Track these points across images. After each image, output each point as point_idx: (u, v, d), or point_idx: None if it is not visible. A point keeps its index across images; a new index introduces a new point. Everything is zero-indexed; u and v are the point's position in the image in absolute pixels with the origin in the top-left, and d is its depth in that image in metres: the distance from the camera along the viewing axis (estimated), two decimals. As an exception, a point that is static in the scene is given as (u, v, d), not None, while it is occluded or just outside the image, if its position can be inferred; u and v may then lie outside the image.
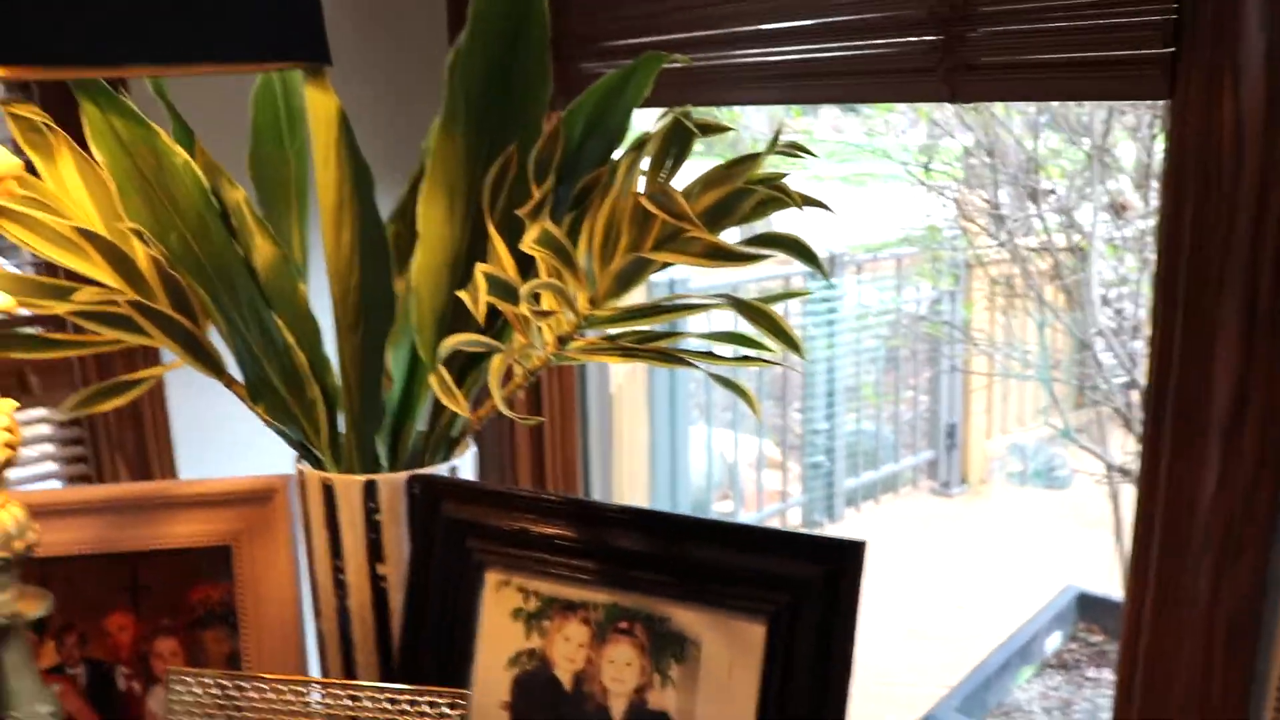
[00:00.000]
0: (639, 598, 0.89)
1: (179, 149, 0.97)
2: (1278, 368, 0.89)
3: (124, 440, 1.51)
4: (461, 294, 0.84)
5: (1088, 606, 2.49)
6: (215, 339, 1.02)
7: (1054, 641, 2.39)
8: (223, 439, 1.52)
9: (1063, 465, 4.66)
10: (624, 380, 2.86)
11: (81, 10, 0.58)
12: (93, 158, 0.96)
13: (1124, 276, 2.32)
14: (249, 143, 1.08)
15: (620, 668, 0.89)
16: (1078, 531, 4.16)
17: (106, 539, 1.12)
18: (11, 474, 1.19)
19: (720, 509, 4.09)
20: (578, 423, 1.74)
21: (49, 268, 1.30)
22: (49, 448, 1.47)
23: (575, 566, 0.91)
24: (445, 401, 0.84)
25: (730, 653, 0.86)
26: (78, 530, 1.11)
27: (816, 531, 4.18)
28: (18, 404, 0.77)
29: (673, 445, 3.37)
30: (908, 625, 3.46)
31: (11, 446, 0.76)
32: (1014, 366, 2.96)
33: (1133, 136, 2.20)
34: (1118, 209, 2.28)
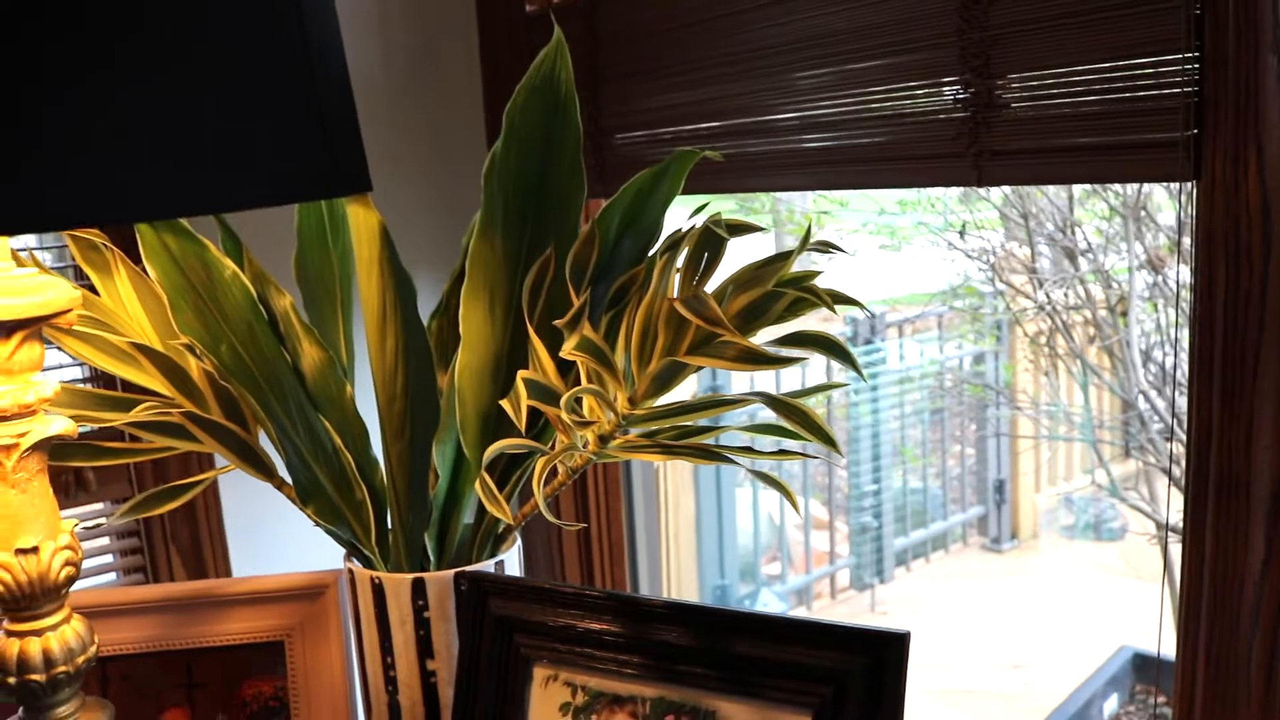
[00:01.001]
0: (685, 691, 0.89)
1: (228, 261, 1.00)
2: (1319, 445, 0.88)
3: (179, 536, 1.54)
4: (504, 403, 0.87)
5: (1145, 667, 2.45)
6: (265, 443, 1.05)
7: (1111, 705, 2.35)
8: (275, 534, 1.55)
9: (1115, 517, 4.59)
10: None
11: (135, 171, 0.60)
12: (146, 273, 1.00)
13: (1164, 329, 2.31)
14: (294, 246, 1.12)
15: (669, 762, 0.90)
16: (1133, 585, 4.09)
17: (163, 637, 1.14)
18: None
19: (768, 571, 4.06)
20: (623, 503, 1.75)
21: (106, 376, 1.34)
22: (106, 541, 1.51)
23: (622, 661, 0.92)
24: (489, 507, 0.85)
25: (778, 746, 0.86)
26: (135, 629, 1.14)
27: (867, 593, 4.14)
28: (78, 521, 0.80)
29: (719, 509, 3.37)
30: (964, 685, 3.41)
31: (73, 564, 0.78)
32: (1058, 426, 2.94)
33: (1168, 190, 2.20)
34: (1155, 264, 2.28)
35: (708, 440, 0.89)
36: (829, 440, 0.82)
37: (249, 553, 1.58)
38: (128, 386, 1.04)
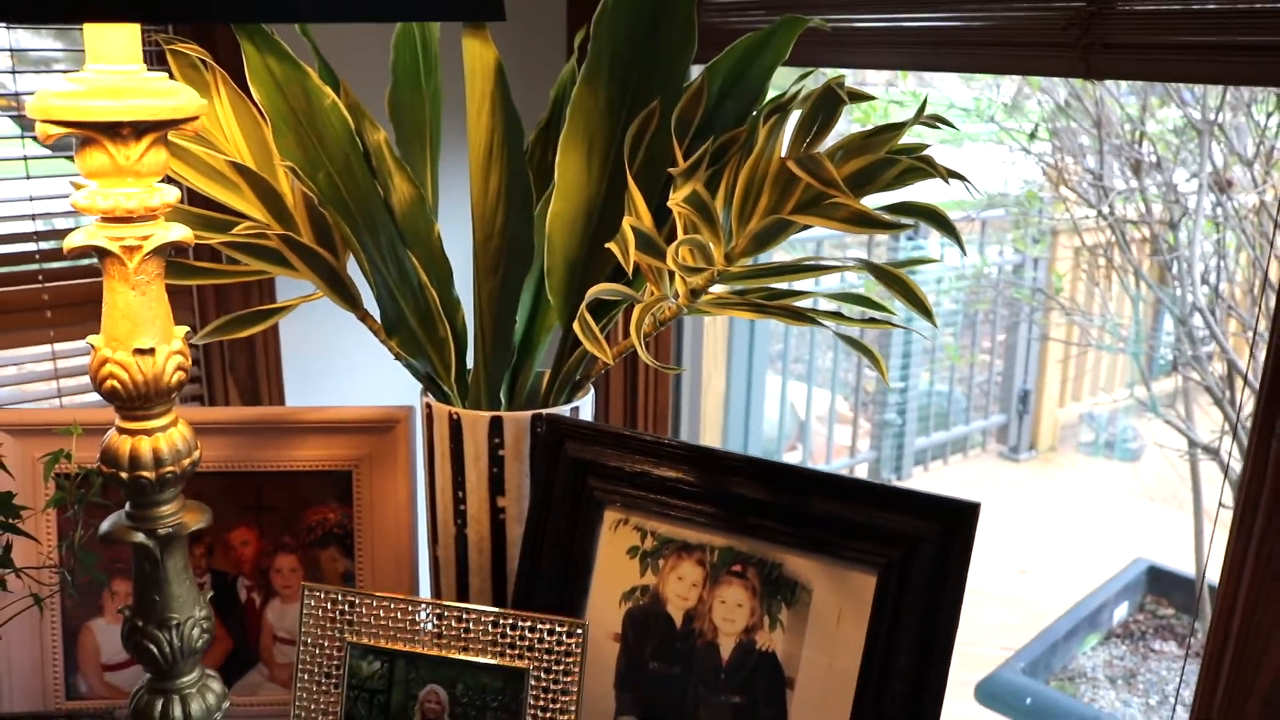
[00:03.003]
0: (754, 543, 0.93)
1: (328, 90, 1.00)
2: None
3: (237, 366, 1.57)
4: (611, 246, 0.88)
5: (1157, 580, 2.50)
6: (351, 274, 1.07)
7: (1121, 612, 2.40)
8: (329, 372, 1.59)
9: (1134, 438, 4.63)
10: (706, 328, 2.88)
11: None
12: (248, 95, 1.00)
13: (1222, 253, 2.30)
14: (388, 85, 1.12)
15: (731, 608, 0.94)
16: (1144, 505, 4.14)
17: (237, 458, 1.18)
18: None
19: (789, 459, 4.12)
20: (672, 345, 1.78)
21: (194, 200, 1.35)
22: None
23: (694, 510, 0.95)
24: (589, 347, 0.87)
25: (840, 601, 0.90)
26: (211, 448, 1.17)
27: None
28: (189, 328, 0.82)
29: (748, 394, 3.40)
30: (970, 585, 3.48)
31: (183, 369, 0.81)
32: (1101, 337, 2.94)
33: (1245, 113, 2.16)
34: (1222, 185, 2.25)
35: (798, 303, 0.91)
36: (925, 309, 0.83)
37: (303, 388, 1.62)
38: (219, 211, 1.06)
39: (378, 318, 1.08)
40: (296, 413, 1.19)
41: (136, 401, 0.79)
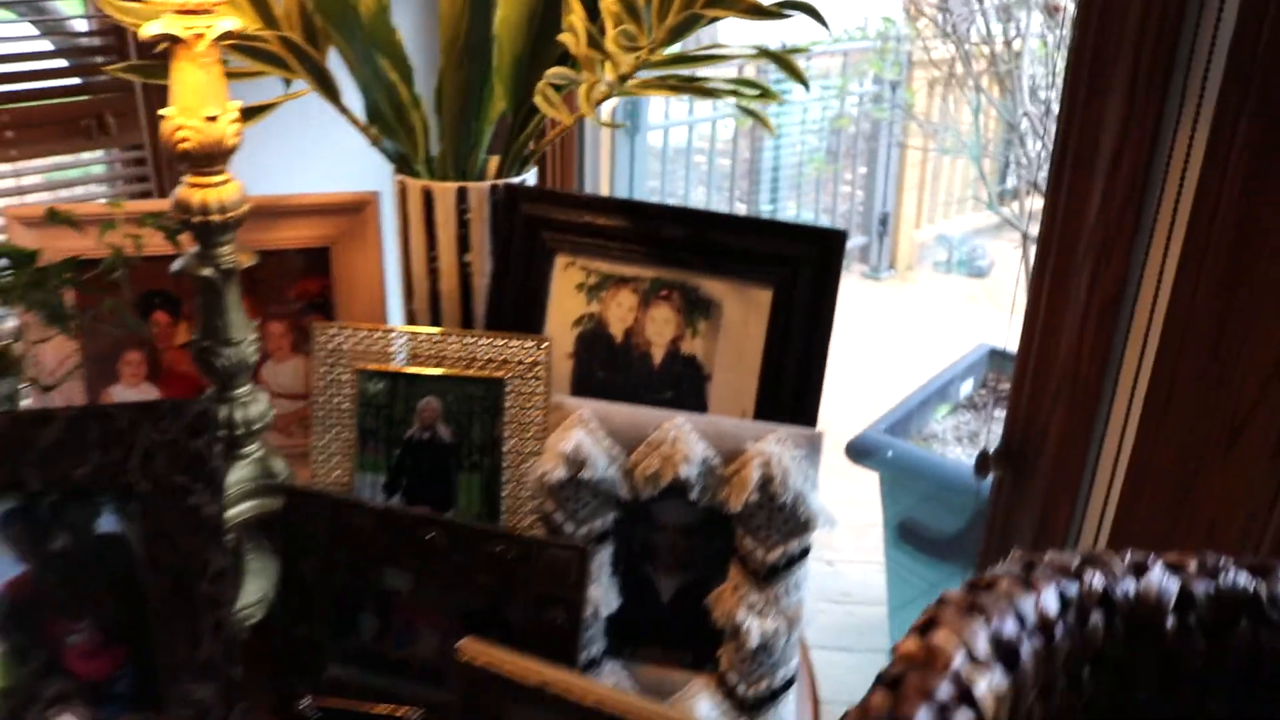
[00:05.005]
0: (677, 272, 1.20)
1: (304, -92, 1.20)
2: (1150, 119, 1.20)
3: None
4: (564, 38, 1.11)
5: (997, 360, 2.89)
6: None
7: (967, 387, 2.79)
8: (276, 170, 1.78)
9: (983, 256, 5.07)
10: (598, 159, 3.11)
11: None
12: (240, -82, 1.19)
13: (1051, 71, 2.62)
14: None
15: (660, 325, 1.21)
16: (992, 312, 4.59)
17: (228, 240, 1.39)
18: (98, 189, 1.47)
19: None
20: (575, 169, 2.02)
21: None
22: (121, 186, 1.72)
23: (628, 250, 1.21)
24: (550, 112, 1.12)
25: (744, 312, 1.18)
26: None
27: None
28: (242, 101, 1.03)
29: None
30: (832, 384, 3.88)
31: (239, 134, 1.03)
32: (949, 144, 3.28)
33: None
34: (1050, 9, 2.56)
35: (705, 85, 1.16)
36: (802, 79, 1.10)
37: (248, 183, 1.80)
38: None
39: (355, 112, 1.30)
40: (278, 199, 1.41)
41: (204, 160, 1.01)
